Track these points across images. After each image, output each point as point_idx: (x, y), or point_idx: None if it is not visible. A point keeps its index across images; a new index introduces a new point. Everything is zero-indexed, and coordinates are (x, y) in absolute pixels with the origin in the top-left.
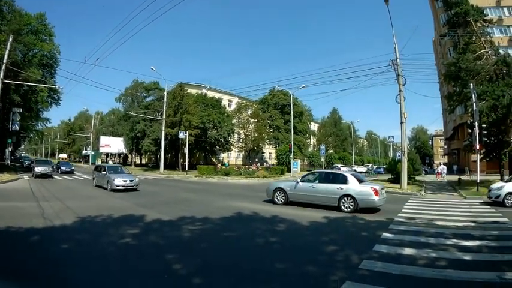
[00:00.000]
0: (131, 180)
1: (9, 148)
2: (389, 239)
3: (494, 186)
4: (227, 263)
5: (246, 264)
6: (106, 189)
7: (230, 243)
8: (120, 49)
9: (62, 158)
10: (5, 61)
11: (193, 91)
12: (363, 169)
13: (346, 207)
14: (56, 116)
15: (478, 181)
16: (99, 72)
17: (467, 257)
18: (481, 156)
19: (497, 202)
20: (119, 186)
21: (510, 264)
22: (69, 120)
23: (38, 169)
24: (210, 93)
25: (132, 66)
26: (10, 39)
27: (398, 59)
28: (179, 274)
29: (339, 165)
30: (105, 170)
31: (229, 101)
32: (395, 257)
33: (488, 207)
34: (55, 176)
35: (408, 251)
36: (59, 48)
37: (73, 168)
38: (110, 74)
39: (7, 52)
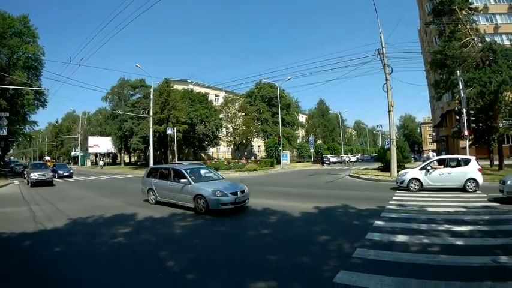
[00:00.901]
0: None
1: None
2: (381, 226)
3: (400, 172)
4: (219, 257)
5: (238, 258)
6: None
7: (221, 238)
8: (105, 48)
9: (46, 161)
10: None
11: (180, 87)
12: (353, 158)
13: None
14: (43, 119)
15: None
16: (85, 72)
17: (459, 242)
18: (470, 142)
19: (402, 187)
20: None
21: (503, 247)
22: (57, 122)
23: (35, 175)
24: (197, 89)
25: (117, 64)
26: None
27: (384, 48)
28: (173, 271)
29: (328, 156)
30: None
31: (216, 95)
32: (388, 244)
33: (479, 192)
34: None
35: (401, 238)
36: (43, 50)
37: (71, 171)
38: (95, 74)
39: None
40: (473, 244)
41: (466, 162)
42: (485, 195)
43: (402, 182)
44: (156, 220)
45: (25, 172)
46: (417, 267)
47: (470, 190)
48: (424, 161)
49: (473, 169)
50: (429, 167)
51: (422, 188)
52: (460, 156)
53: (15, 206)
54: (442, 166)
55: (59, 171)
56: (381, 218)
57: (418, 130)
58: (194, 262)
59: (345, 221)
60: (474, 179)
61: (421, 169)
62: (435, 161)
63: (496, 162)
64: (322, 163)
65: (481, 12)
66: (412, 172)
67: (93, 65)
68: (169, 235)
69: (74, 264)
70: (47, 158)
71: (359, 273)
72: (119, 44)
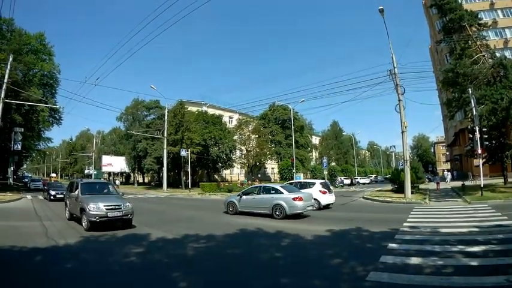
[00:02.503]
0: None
1: (12, 167)
2: (395, 249)
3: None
4: (233, 279)
5: (251, 281)
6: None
7: (235, 260)
8: (119, 68)
9: (51, 178)
10: (5, 80)
11: (194, 108)
12: (366, 180)
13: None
14: (57, 136)
15: (482, 185)
16: (100, 92)
17: (473, 262)
18: (484, 160)
19: None
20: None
21: None
22: (71, 139)
23: (99, 209)
24: (211, 110)
25: (131, 85)
26: (10, 59)
27: (395, 69)
28: None
29: (342, 178)
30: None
31: (230, 117)
32: (402, 267)
33: (493, 210)
34: None
35: (414, 260)
36: (59, 68)
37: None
38: (110, 93)
39: (7, 72)
40: (486, 264)
41: None
42: (499, 214)
43: None
44: (168, 241)
45: (68, 197)
46: None
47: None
48: (437, 182)
49: None
50: None
51: None
52: None
53: (27, 220)
54: None
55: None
56: (395, 241)
57: (432, 150)
58: (208, 284)
59: (358, 244)
60: None
61: None
62: None
63: (510, 179)
64: (336, 185)
65: (490, 27)
66: None
67: (108, 85)
68: (182, 256)
69: (86, 282)
70: (53, 174)
71: None
72: (133, 65)
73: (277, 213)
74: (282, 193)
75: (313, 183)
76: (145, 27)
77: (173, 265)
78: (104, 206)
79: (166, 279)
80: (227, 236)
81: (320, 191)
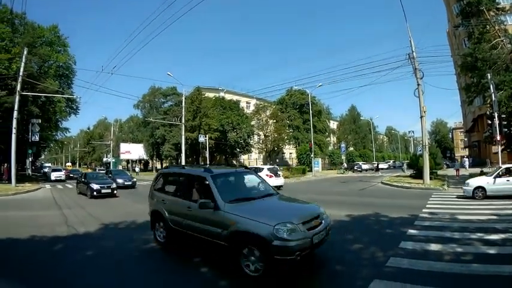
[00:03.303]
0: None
1: (30, 158)
2: (415, 235)
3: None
4: None
5: None
6: None
7: None
8: (136, 56)
9: (69, 167)
10: (21, 73)
11: (211, 94)
12: (384, 165)
13: None
14: (75, 125)
15: None
16: (117, 80)
17: (492, 250)
18: (502, 147)
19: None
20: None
21: None
22: (88, 128)
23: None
24: (228, 96)
25: (148, 72)
26: (25, 52)
27: (414, 53)
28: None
29: (360, 163)
30: None
31: (247, 103)
32: (421, 253)
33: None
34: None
35: (434, 246)
36: (75, 59)
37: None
38: (127, 82)
39: (22, 65)
40: (505, 253)
41: None
42: None
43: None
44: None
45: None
46: (451, 276)
47: None
48: (457, 168)
49: None
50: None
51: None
52: None
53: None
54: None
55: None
56: (414, 227)
57: (450, 135)
58: None
59: (378, 229)
60: None
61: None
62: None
63: None
64: (354, 170)
65: (508, 12)
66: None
67: (125, 73)
68: None
69: (104, 273)
70: (69, 164)
71: (393, 283)
72: (150, 53)
73: None
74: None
75: (262, 169)
76: (160, 14)
77: (197, 250)
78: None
79: (192, 263)
80: None
81: (267, 174)
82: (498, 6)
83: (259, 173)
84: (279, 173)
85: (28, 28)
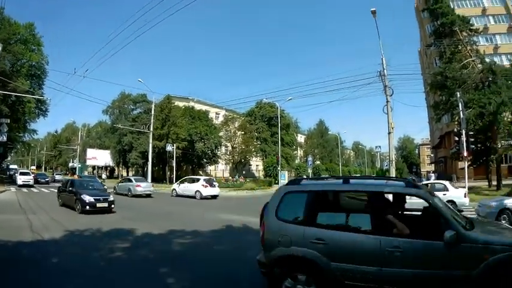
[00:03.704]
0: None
1: None
2: None
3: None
4: (222, 277)
5: (240, 278)
6: None
7: (222, 257)
8: (109, 61)
9: (34, 171)
10: None
11: (181, 104)
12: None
13: None
14: (42, 128)
15: (467, 188)
16: (87, 84)
17: None
18: (469, 163)
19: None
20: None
21: None
22: (56, 132)
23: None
24: (198, 106)
25: (120, 78)
26: None
27: (385, 70)
28: None
29: (326, 176)
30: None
31: (217, 113)
32: None
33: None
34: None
35: None
36: (48, 59)
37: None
38: (98, 86)
39: None
40: None
41: None
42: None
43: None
44: (154, 236)
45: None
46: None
47: None
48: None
49: None
50: None
51: None
52: None
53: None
54: None
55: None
56: None
57: (416, 151)
58: (195, 281)
59: None
60: None
61: None
62: None
63: (494, 183)
64: None
65: (481, 33)
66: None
67: (96, 77)
68: (169, 253)
69: (71, 282)
70: (33, 167)
71: None
72: (122, 58)
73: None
74: None
75: (199, 179)
76: (135, 22)
77: (159, 261)
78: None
79: (153, 275)
80: (213, 232)
81: (202, 185)
82: (471, 28)
83: (195, 183)
84: (214, 183)
85: (4, 23)
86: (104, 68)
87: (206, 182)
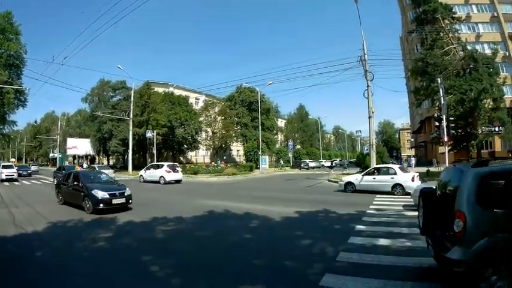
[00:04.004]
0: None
1: None
2: (363, 230)
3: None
4: (204, 263)
5: (222, 263)
6: None
7: (205, 243)
8: (86, 48)
9: (14, 163)
10: None
11: (160, 89)
12: (328, 163)
13: None
14: (22, 119)
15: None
16: (66, 72)
17: None
18: (449, 148)
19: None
20: None
21: None
22: (36, 122)
23: None
24: (177, 92)
25: (98, 65)
26: None
27: (366, 55)
28: (158, 277)
29: (307, 161)
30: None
31: (197, 99)
32: (371, 247)
33: None
34: None
35: (383, 241)
36: (26, 48)
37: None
38: (77, 74)
39: None
40: None
41: None
42: None
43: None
44: (136, 224)
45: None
46: (401, 269)
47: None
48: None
49: None
50: None
51: None
52: None
53: None
54: None
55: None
56: (362, 222)
57: (397, 136)
58: (179, 268)
59: (327, 225)
60: None
61: None
62: None
63: None
64: (301, 168)
65: (463, 21)
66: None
67: (74, 65)
68: (152, 240)
69: (55, 274)
70: (12, 159)
71: (344, 276)
72: (100, 45)
73: None
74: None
75: (163, 165)
76: (114, 6)
77: (142, 249)
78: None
79: (136, 264)
80: (196, 218)
81: (166, 170)
82: (454, 16)
83: (160, 169)
84: (177, 169)
85: None
86: (82, 55)
87: (169, 168)
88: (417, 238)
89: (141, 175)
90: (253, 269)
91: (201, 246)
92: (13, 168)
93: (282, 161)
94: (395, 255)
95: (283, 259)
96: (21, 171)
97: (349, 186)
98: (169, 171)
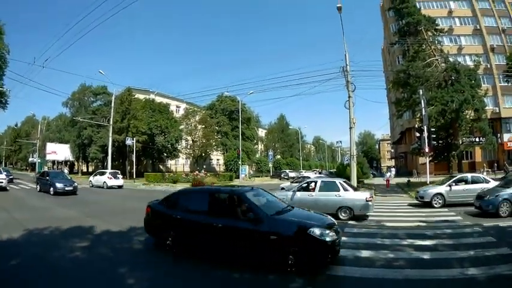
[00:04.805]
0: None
1: None
2: (345, 242)
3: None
4: (179, 276)
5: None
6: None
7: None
8: (67, 51)
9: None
10: None
11: (141, 96)
12: (311, 174)
13: None
14: (2, 121)
15: (428, 182)
16: (48, 75)
17: (425, 256)
18: (430, 158)
19: (425, 202)
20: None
21: (469, 260)
22: (16, 125)
23: None
24: (158, 99)
25: (79, 69)
26: None
27: (348, 66)
28: None
29: (287, 171)
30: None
31: (177, 106)
32: (353, 260)
33: (439, 207)
34: None
35: (365, 253)
36: (9, 48)
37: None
38: (57, 77)
39: None
40: (439, 257)
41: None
42: (446, 210)
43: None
44: (114, 234)
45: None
46: (386, 282)
47: None
48: (387, 179)
49: None
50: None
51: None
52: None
53: None
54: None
55: (58, 185)
56: (344, 234)
57: (377, 147)
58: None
59: None
60: None
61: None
62: None
63: None
64: (281, 178)
65: (446, 33)
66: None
67: (56, 68)
68: (129, 250)
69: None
70: None
71: None
72: (82, 48)
73: None
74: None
75: (105, 172)
76: (97, 8)
77: (121, 260)
78: None
79: (112, 276)
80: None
81: (108, 177)
82: (437, 28)
83: (103, 176)
84: (118, 176)
85: None
86: (64, 58)
87: (111, 175)
88: (400, 250)
89: (90, 180)
90: (234, 281)
91: (176, 258)
92: (1, 173)
93: (251, 171)
94: (379, 268)
95: (264, 272)
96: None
97: None
98: (111, 178)
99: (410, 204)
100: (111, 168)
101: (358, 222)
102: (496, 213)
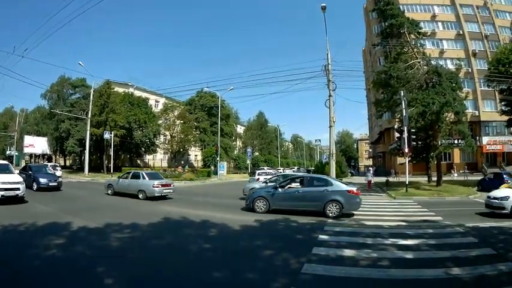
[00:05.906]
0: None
1: None
2: (326, 240)
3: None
4: (160, 275)
5: (181, 274)
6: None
7: (162, 252)
8: (47, 41)
9: None
10: None
11: (120, 90)
12: (289, 171)
13: None
14: None
15: (407, 182)
16: (28, 65)
17: (409, 255)
18: (409, 159)
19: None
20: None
21: (453, 260)
22: None
23: None
24: (137, 93)
25: (59, 60)
26: None
27: (330, 65)
28: None
29: (265, 168)
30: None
31: (156, 101)
32: (336, 259)
33: (419, 206)
34: None
35: (348, 252)
36: None
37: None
38: (38, 67)
39: None
40: (422, 257)
41: None
42: (426, 209)
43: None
44: (91, 231)
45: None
46: (370, 281)
47: None
48: (369, 180)
49: None
50: None
51: None
52: None
53: None
54: None
55: (41, 180)
56: (325, 232)
57: (355, 146)
58: (134, 280)
59: (288, 235)
60: None
61: None
62: None
63: (434, 178)
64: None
65: (429, 37)
66: None
67: (35, 58)
68: (106, 248)
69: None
70: None
71: None
72: (62, 39)
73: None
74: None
75: (47, 165)
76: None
77: (96, 258)
78: None
79: (89, 274)
80: (152, 226)
81: (48, 169)
82: (420, 31)
83: (57, 171)
84: (57, 168)
85: None
86: (43, 48)
87: (52, 168)
88: (383, 249)
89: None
90: (214, 281)
91: (158, 256)
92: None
93: (224, 168)
94: (363, 267)
95: (245, 271)
96: None
97: None
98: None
99: (390, 204)
100: (89, 163)
101: (339, 220)
102: None
